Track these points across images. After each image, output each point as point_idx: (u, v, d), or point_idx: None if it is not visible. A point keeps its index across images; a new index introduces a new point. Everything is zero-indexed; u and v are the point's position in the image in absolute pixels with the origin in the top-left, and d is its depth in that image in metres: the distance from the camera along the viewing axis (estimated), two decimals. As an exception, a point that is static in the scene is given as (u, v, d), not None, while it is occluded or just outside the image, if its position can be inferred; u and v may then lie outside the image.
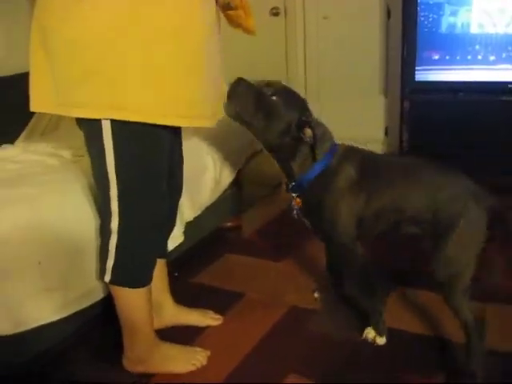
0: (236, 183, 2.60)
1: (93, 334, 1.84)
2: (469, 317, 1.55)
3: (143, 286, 1.58)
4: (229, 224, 2.74)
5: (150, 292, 1.61)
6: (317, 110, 4.33)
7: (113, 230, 1.50)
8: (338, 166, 1.68)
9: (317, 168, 1.67)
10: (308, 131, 1.64)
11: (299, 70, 4.24)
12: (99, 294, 1.70)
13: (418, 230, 1.65)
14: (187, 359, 1.68)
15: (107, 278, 1.54)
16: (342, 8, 3.98)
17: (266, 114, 1.63)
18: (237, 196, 2.68)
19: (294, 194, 1.72)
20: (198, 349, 1.73)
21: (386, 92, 4.01)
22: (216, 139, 2.39)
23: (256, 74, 4.34)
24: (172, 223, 1.80)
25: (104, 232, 1.55)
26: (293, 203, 1.74)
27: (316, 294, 2.04)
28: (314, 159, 1.66)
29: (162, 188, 1.56)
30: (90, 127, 1.43)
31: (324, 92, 4.22)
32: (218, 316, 1.95)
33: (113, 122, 1.38)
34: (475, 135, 3.15)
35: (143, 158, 1.47)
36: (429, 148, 3.28)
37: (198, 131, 2.41)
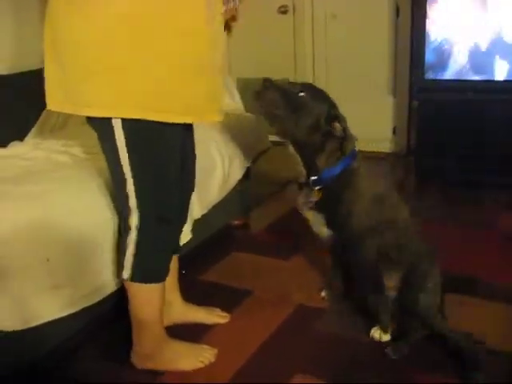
0: (244, 181, 2.60)
1: (101, 331, 1.85)
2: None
3: (161, 281, 1.59)
4: (237, 222, 2.75)
5: (164, 289, 1.62)
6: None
7: (132, 226, 1.50)
8: (359, 166, 1.74)
9: (341, 165, 1.71)
10: (337, 125, 1.68)
11: (307, 68, 4.24)
12: (107, 291, 1.71)
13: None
14: (195, 356, 1.69)
15: (126, 274, 1.54)
16: (351, 6, 3.98)
17: (295, 111, 1.67)
18: (245, 194, 2.69)
19: (316, 188, 1.73)
20: (206, 346, 1.74)
21: (395, 91, 4.00)
22: (224, 137, 2.40)
23: (264, 71, 4.35)
24: (184, 218, 1.80)
25: (122, 229, 1.56)
26: (310, 197, 1.75)
27: (323, 293, 2.05)
28: (343, 153, 1.70)
29: (177, 183, 1.57)
30: (100, 126, 1.44)
31: (332, 91, 4.14)
32: (225, 314, 1.95)
33: (123, 120, 1.38)
34: (484, 135, 3.14)
35: (157, 155, 1.48)
36: (437, 148, 3.28)
37: (206, 129, 2.42)
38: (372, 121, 4.08)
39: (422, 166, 3.42)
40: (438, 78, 3.25)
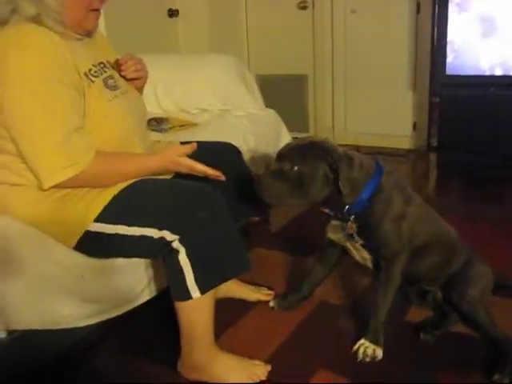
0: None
1: (120, 328, 1.85)
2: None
3: (245, 269, 1.54)
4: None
5: (213, 300, 1.54)
6: (344, 105, 4.36)
7: (176, 246, 1.43)
8: (387, 183, 1.66)
9: (369, 188, 1.62)
10: (343, 171, 1.57)
11: (326, 64, 4.23)
12: (134, 304, 1.71)
13: None
14: (246, 372, 1.60)
15: (195, 294, 1.45)
16: (370, 1, 3.96)
17: (298, 187, 1.59)
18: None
19: (350, 218, 1.66)
20: (258, 362, 1.64)
21: (415, 86, 3.97)
22: (245, 133, 2.39)
23: (283, 67, 4.39)
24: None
25: (166, 256, 1.46)
26: (348, 226, 1.68)
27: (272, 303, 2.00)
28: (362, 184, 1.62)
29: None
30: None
31: (351, 86, 4.20)
32: (269, 292, 2.02)
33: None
34: (507, 130, 3.10)
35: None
36: (458, 144, 3.25)
37: (227, 126, 2.42)
38: (392, 117, 4.06)
39: (443, 162, 3.39)
40: (460, 73, 3.21)
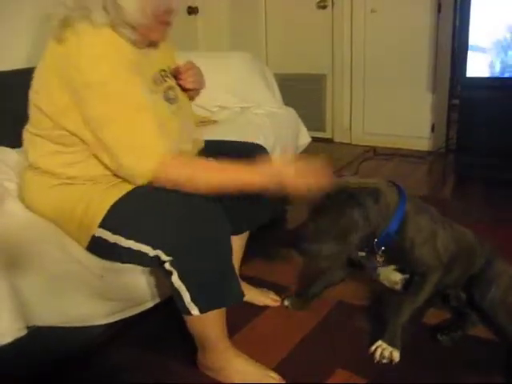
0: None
1: (137, 323, 1.86)
2: None
3: (240, 299, 1.51)
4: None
5: (221, 311, 1.51)
6: (362, 105, 4.33)
7: (168, 267, 1.39)
8: (411, 211, 1.64)
9: (396, 219, 1.60)
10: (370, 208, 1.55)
11: (345, 63, 4.21)
12: (148, 305, 1.73)
13: None
14: (262, 378, 1.57)
15: (195, 311, 1.42)
16: (391, 0, 3.93)
17: (341, 237, 1.55)
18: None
19: (379, 252, 1.65)
20: (274, 374, 1.59)
21: (434, 88, 3.94)
22: (265, 132, 2.39)
23: (301, 66, 4.38)
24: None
25: (163, 272, 1.43)
26: (377, 260, 1.67)
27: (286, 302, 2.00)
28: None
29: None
30: None
31: (370, 87, 4.17)
32: (277, 297, 1.99)
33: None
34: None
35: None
36: (477, 146, 3.22)
37: (247, 125, 2.42)
38: (410, 118, 4.04)
39: (461, 164, 3.36)
40: (480, 75, 3.18)
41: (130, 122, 1.36)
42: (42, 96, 1.44)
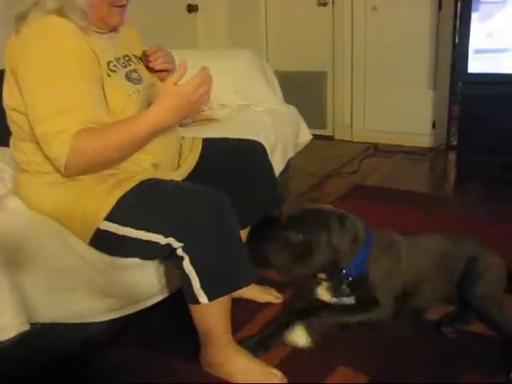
0: (284, 173, 2.58)
1: (138, 321, 1.86)
2: None
3: (249, 282, 1.54)
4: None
5: (228, 302, 1.53)
6: (363, 102, 4.32)
7: (180, 253, 1.42)
8: (378, 244, 1.75)
9: (362, 253, 1.71)
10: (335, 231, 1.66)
11: (346, 60, 4.20)
12: (148, 303, 1.73)
13: None
14: (263, 375, 1.57)
15: (203, 299, 1.43)
16: (392, -2, 3.92)
17: (304, 255, 1.67)
18: (285, 186, 2.67)
19: (344, 281, 1.74)
20: (276, 371, 1.58)
21: (435, 85, 3.93)
22: (265, 129, 2.39)
23: (302, 63, 4.37)
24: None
25: (173, 260, 1.45)
26: (340, 291, 1.76)
27: None
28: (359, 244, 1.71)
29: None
30: None
31: (370, 84, 4.17)
32: (278, 294, 1.99)
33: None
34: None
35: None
36: (478, 143, 3.21)
37: (247, 122, 2.41)
38: (411, 115, 4.03)
39: (462, 161, 3.35)
40: (481, 71, 3.17)
41: (45, 107, 1.35)
42: (7, 96, 1.48)
